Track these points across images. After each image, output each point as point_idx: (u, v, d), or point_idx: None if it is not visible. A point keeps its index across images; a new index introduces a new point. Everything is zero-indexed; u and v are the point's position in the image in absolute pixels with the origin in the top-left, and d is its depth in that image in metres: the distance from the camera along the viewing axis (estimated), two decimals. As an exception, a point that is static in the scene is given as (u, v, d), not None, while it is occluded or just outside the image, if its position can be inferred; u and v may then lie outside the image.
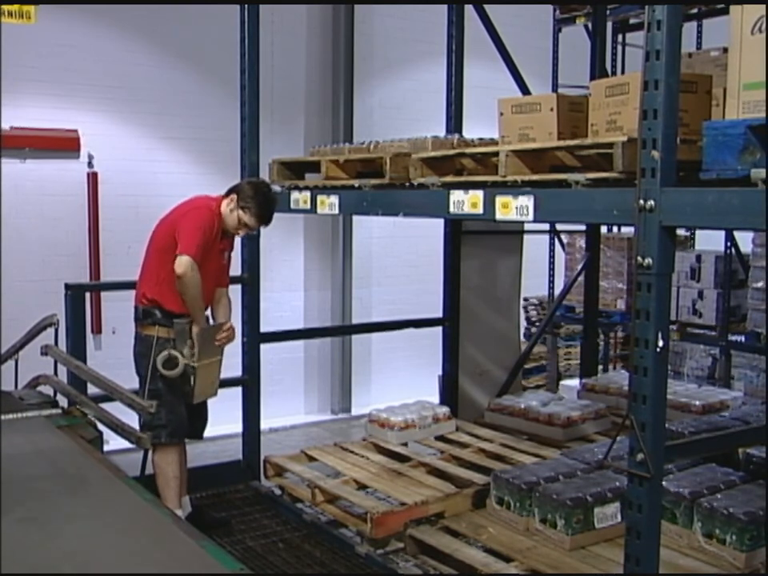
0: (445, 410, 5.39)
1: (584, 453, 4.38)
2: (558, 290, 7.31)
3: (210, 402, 4.32)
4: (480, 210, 3.22)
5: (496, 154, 3.25)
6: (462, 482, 4.43)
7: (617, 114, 3.02)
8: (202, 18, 7.30)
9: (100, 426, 3.27)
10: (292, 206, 4.41)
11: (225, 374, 4.36)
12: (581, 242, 7.07)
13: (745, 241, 6.49)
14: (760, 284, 6.15)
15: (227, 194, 4.17)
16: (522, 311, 7.27)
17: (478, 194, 3.22)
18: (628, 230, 6.98)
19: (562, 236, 7.47)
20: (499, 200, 3.12)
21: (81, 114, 6.92)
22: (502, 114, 3.54)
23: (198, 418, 4.27)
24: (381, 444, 5.09)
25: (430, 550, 3.85)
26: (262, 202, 4.12)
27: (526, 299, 8.26)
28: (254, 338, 5.00)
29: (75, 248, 6.97)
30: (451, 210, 3.35)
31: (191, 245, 3.91)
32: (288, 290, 8.03)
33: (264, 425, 5.27)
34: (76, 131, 6.90)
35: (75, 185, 6.96)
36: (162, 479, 4.09)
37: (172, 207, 4.20)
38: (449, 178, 3.55)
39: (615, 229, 7.64)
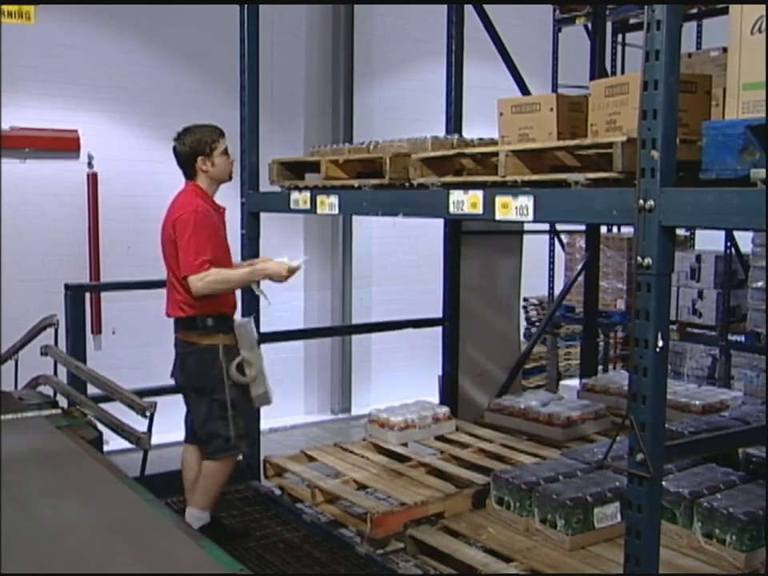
0: (445, 409, 5.39)
1: (584, 453, 4.38)
2: (558, 290, 7.31)
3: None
4: (480, 210, 3.21)
5: (496, 154, 3.25)
6: (461, 482, 4.43)
7: (616, 113, 3.02)
8: (202, 18, 7.30)
9: (100, 426, 3.27)
10: (292, 206, 4.40)
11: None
12: (581, 242, 7.07)
13: (745, 241, 6.49)
14: (760, 284, 6.15)
15: (190, 165, 3.94)
16: (521, 311, 7.27)
17: (478, 194, 3.22)
18: (628, 230, 6.98)
19: (562, 236, 7.47)
20: (499, 200, 3.12)
21: (81, 114, 6.93)
22: (501, 114, 3.54)
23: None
24: (381, 444, 5.09)
25: (430, 550, 3.85)
26: (204, 129, 3.96)
27: (525, 299, 8.26)
28: (254, 338, 4.99)
29: (75, 248, 6.98)
30: (451, 210, 3.35)
31: (188, 260, 3.78)
32: (288, 290, 8.02)
33: (264, 425, 5.26)
34: (76, 131, 6.91)
35: (75, 185, 6.96)
36: (210, 485, 3.91)
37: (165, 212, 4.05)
38: (448, 178, 3.55)
39: (615, 229, 7.64)
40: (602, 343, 7.79)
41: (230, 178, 4.08)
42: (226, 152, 3.97)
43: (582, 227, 6.74)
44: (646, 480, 2.57)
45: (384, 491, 4.44)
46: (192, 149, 3.92)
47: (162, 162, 7.35)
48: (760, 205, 2.25)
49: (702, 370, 7.65)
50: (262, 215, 4.94)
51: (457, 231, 5.69)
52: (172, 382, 4.16)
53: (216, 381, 3.84)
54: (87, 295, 5.16)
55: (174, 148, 3.98)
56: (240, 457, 4.93)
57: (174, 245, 3.87)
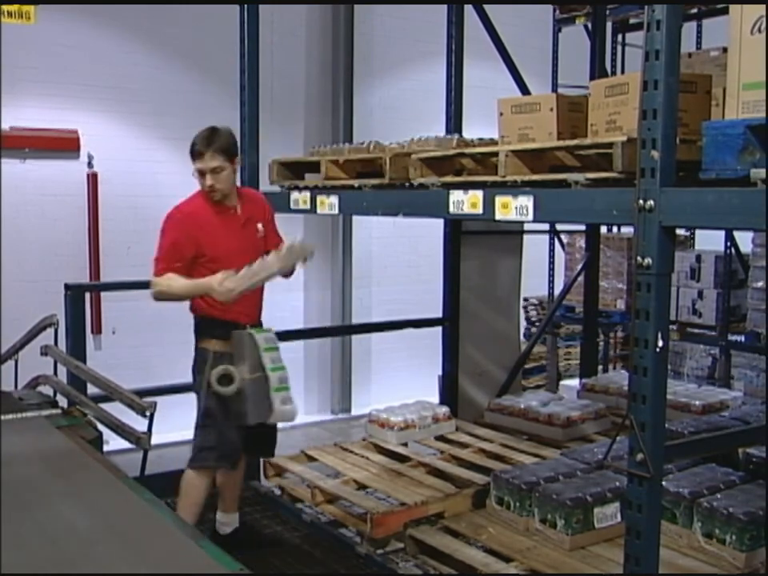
0: (445, 409, 5.39)
1: (584, 453, 4.38)
2: (558, 290, 7.31)
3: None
4: (480, 210, 3.22)
5: (496, 154, 3.25)
6: (461, 481, 4.43)
7: (616, 113, 3.02)
8: (202, 18, 7.30)
9: (100, 426, 3.27)
10: (292, 206, 4.40)
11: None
12: (581, 242, 7.07)
13: (745, 241, 6.49)
14: (760, 284, 6.15)
15: (232, 161, 3.75)
16: (522, 311, 7.27)
17: (478, 194, 3.22)
18: (628, 230, 6.98)
19: (562, 236, 7.47)
20: (499, 200, 3.13)
21: (81, 114, 6.92)
22: (501, 114, 3.54)
23: (262, 437, 3.94)
24: (381, 444, 5.09)
25: (430, 550, 3.85)
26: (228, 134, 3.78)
27: (526, 299, 8.25)
28: (254, 338, 4.98)
29: (75, 248, 6.97)
30: (451, 210, 3.35)
31: (155, 262, 3.72)
32: (288, 290, 8.02)
33: (264, 425, 5.26)
34: (76, 131, 6.90)
35: (75, 185, 6.96)
36: (185, 501, 3.78)
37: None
38: (448, 178, 3.55)
39: (615, 229, 7.64)
40: (601, 343, 7.79)
41: (213, 195, 3.76)
42: (198, 173, 3.74)
43: (582, 227, 6.74)
44: (646, 480, 2.57)
45: (384, 491, 4.44)
46: (231, 145, 3.81)
47: (162, 162, 7.37)
48: (760, 205, 2.25)
49: (702, 369, 7.65)
50: (262, 215, 4.93)
51: (457, 231, 5.69)
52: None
53: (200, 386, 3.75)
54: (87, 295, 5.16)
55: None
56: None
57: None
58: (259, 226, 3.88)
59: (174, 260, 3.70)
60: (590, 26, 6.78)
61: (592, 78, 5.98)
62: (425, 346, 7.11)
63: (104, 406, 3.39)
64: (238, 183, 4.41)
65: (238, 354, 3.69)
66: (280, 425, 4.11)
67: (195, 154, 3.73)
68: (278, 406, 3.75)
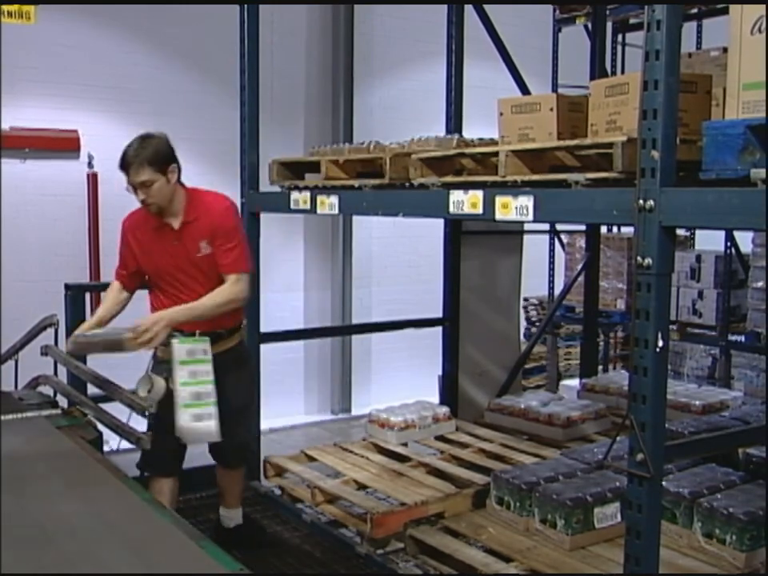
0: (445, 410, 5.39)
1: (584, 453, 4.38)
2: (558, 290, 7.31)
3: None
4: (480, 210, 3.21)
5: (496, 154, 3.25)
6: (462, 482, 4.43)
7: (616, 113, 3.02)
8: (202, 18, 7.30)
9: (100, 427, 3.27)
10: (292, 206, 4.40)
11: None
12: (581, 242, 7.07)
13: (745, 241, 6.49)
14: (760, 284, 6.15)
15: (164, 171, 3.57)
16: (522, 311, 7.28)
17: (478, 194, 3.21)
18: (628, 230, 6.98)
19: (562, 236, 7.47)
20: (499, 200, 3.12)
21: (81, 114, 6.92)
22: (501, 114, 3.54)
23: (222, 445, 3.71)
24: (381, 444, 5.09)
25: (430, 550, 3.85)
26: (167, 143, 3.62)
27: (526, 299, 8.26)
28: (254, 338, 4.99)
29: (75, 248, 6.97)
30: (451, 210, 3.35)
31: None
32: (288, 290, 8.03)
33: (264, 425, 5.26)
34: (76, 131, 6.90)
35: (75, 185, 6.96)
36: None
37: None
38: (448, 178, 3.55)
39: (615, 229, 7.64)
40: (602, 343, 7.79)
41: (149, 208, 3.67)
42: (132, 188, 3.63)
43: (582, 227, 6.74)
44: (646, 480, 2.56)
45: (384, 491, 4.44)
46: (166, 153, 3.75)
47: (162, 162, 7.37)
48: (760, 205, 2.25)
49: (702, 369, 7.65)
50: (262, 215, 4.94)
51: (457, 231, 5.69)
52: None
53: None
54: (87, 295, 5.15)
55: None
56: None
57: None
58: (202, 243, 3.64)
59: (121, 267, 3.94)
60: (590, 26, 6.78)
61: (592, 78, 5.98)
62: (425, 346, 7.11)
63: (104, 405, 3.39)
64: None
65: (172, 362, 3.53)
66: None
67: (122, 168, 3.59)
68: (183, 423, 3.41)
